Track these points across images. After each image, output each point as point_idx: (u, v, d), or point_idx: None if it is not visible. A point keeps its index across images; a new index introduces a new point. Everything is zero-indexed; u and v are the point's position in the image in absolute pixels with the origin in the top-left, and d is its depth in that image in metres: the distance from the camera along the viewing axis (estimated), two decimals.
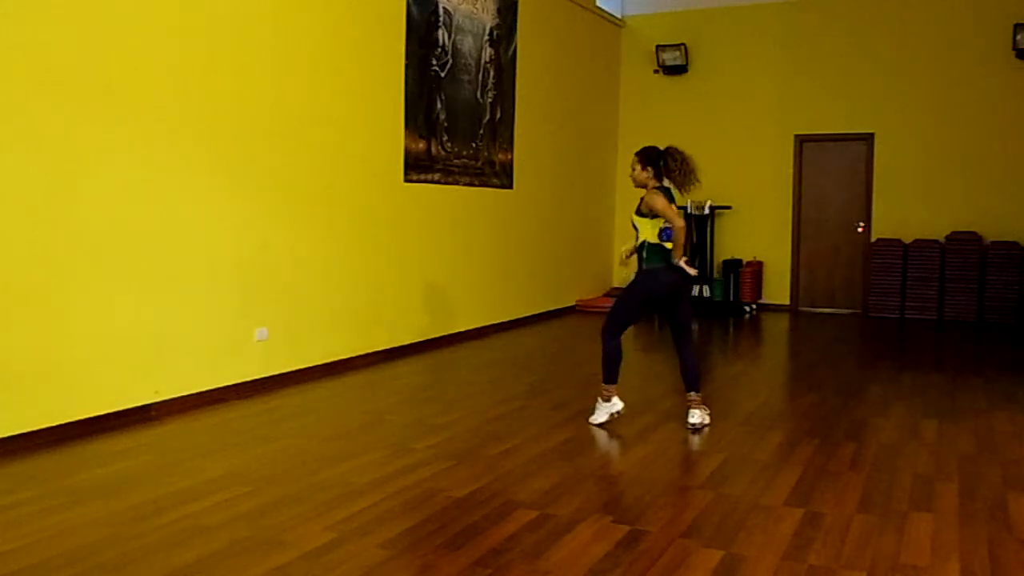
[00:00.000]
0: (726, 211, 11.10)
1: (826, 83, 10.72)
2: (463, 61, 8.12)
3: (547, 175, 9.87)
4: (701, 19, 11.30)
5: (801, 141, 10.93)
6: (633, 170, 5.04)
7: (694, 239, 10.81)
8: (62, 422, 4.64)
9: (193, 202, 5.36)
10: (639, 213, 4.98)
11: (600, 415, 5.11)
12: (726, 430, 5.03)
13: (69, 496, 3.78)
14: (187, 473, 4.11)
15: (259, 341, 5.88)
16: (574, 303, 10.61)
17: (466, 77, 8.19)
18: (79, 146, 4.68)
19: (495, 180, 8.79)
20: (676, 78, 11.46)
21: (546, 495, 3.86)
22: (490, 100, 8.62)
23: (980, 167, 10.08)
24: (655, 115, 11.41)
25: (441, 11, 7.72)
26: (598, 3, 11.01)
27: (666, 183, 4.99)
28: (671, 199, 4.93)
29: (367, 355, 6.92)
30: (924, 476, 4.19)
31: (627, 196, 9.35)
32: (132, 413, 5.02)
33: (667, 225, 4.88)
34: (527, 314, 9.47)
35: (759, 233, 11.12)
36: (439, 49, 7.75)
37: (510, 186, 9.08)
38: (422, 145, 7.53)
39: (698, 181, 4.96)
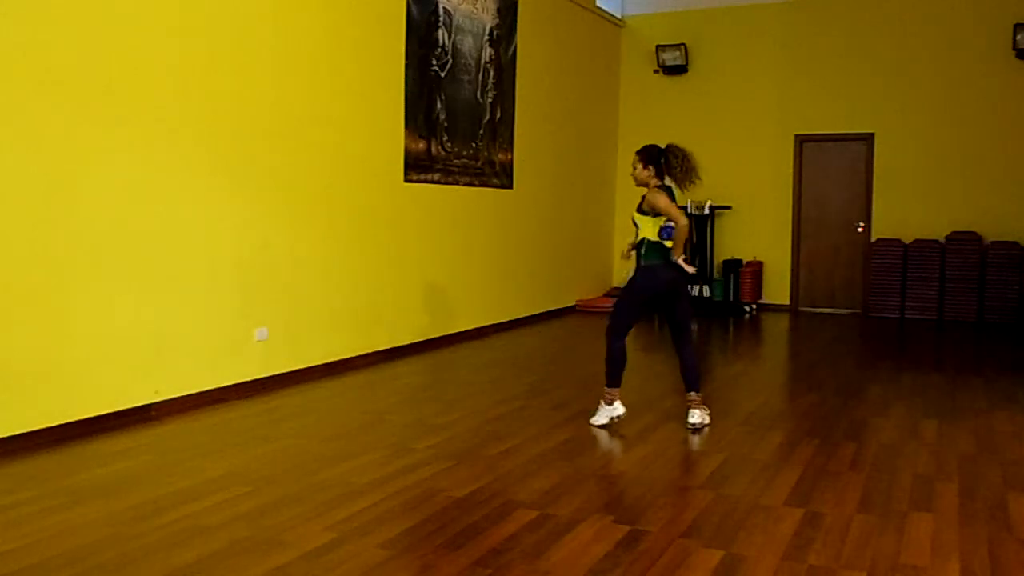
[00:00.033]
0: (726, 211, 11.10)
1: (826, 83, 10.72)
2: (463, 61, 8.12)
3: (547, 175, 9.87)
4: (701, 19, 11.30)
5: (801, 141, 10.93)
6: (634, 169, 5.05)
7: (694, 239, 10.82)
8: (62, 422, 4.64)
9: (193, 202, 5.36)
10: (640, 211, 4.98)
11: (601, 417, 5.11)
12: (726, 430, 5.03)
13: (69, 496, 3.78)
14: (187, 473, 4.11)
15: (259, 341, 5.88)
16: (574, 303, 10.61)
17: (466, 77, 8.19)
18: (79, 146, 4.68)
19: (495, 180, 8.79)
20: (676, 78, 11.46)
21: (546, 495, 3.86)
22: (490, 100, 8.62)
23: (980, 167, 10.08)
24: (655, 115, 11.41)
25: (441, 11, 7.72)
26: (598, 3, 11.01)
27: (667, 181, 5.00)
28: (672, 197, 4.94)
29: (367, 355, 6.92)
30: (924, 476, 4.19)
31: (627, 196, 9.36)
32: (132, 413, 5.02)
33: (668, 224, 4.88)
34: (527, 314, 9.47)
35: (759, 233, 11.13)
36: (439, 49, 7.75)
37: (510, 186, 9.08)
38: (422, 145, 7.54)
39: (699, 178, 4.97)
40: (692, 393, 5.10)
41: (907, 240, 10.29)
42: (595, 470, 4.33)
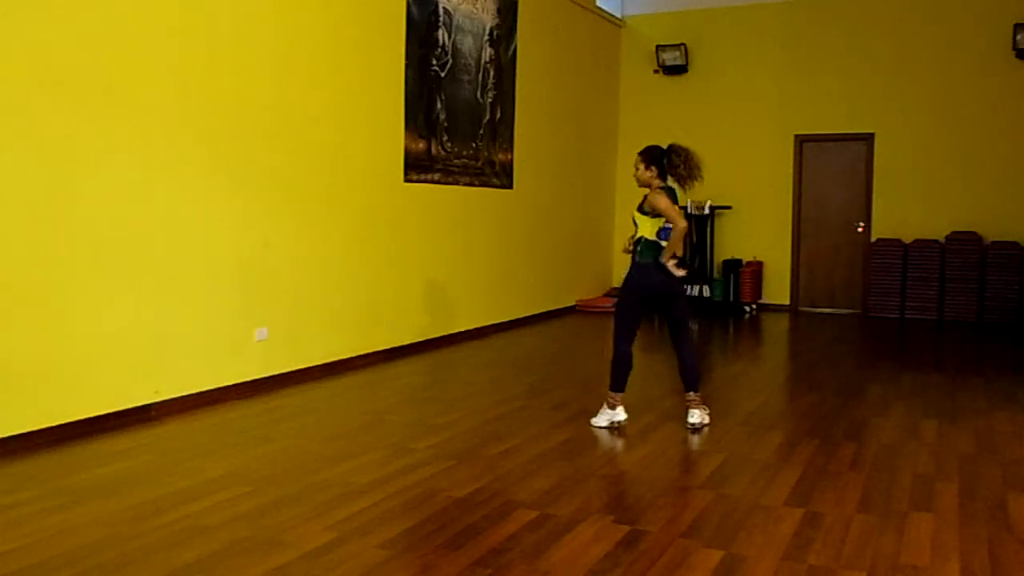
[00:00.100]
0: (726, 211, 11.10)
1: (826, 83, 10.72)
2: (463, 61, 8.12)
3: (547, 175, 9.86)
4: (701, 19, 11.30)
5: (801, 141, 10.93)
6: (636, 169, 5.03)
7: (694, 239, 10.82)
8: (62, 422, 4.64)
9: (193, 202, 5.36)
10: (641, 210, 4.98)
11: (601, 419, 5.10)
12: (726, 430, 5.03)
13: (69, 496, 3.78)
14: (187, 473, 4.11)
15: (259, 341, 5.88)
16: (574, 303, 10.61)
17: (466, 77, 8.19)
18: (79, 146, 4.68)
19: (495, 180, 8.79)
20: (676, 78, 11.46)
21: (546, 495, 3.86)
22: (490, 100, 8.62)
23: (980, 167, 10.08)
24: (655, 115, 11.41)
25: (441, 11, 7.72)
26: (598, 3, 11.01)
27: (670, 182, 5.00)
28: (674, 199, 4.93)
29: (367, 355, 6.92)
30: (924, 476, 4.19)
31: (627, 196, 9.37)
32: (132, 413, 5.02)
33: (667, 225, 4.88)
34: (527, 314, 9.47)
35: (759, 233, 11.12)
36: (439, 49, 7.75)
37: (510, 186, 9.08)
38: (422, 145, 7.53)
39: (702, 177, 4.95)
40: (691, 393, 5.10)
41: (907, 240, 10.29)
42: (595, 470, 4.33)
